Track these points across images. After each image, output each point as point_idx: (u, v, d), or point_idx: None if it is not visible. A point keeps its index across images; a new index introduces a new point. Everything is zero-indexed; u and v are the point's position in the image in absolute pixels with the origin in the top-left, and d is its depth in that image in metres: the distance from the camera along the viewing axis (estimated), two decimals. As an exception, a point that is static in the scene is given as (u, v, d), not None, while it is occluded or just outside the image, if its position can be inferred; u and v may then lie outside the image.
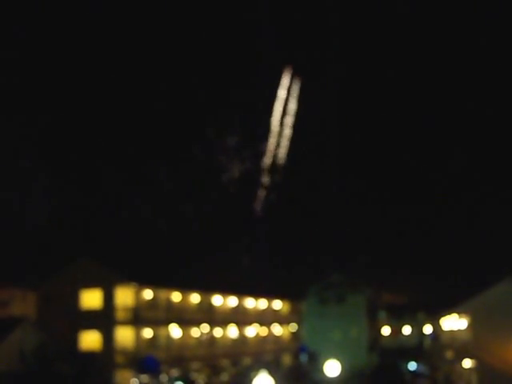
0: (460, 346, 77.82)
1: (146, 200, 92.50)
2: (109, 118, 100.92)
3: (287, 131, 67.42)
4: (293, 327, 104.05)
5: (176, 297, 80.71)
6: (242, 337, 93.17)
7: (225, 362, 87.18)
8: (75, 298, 74.66)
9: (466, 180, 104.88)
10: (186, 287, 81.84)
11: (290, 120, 68.84)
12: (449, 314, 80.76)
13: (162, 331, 78.38)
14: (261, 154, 67.43)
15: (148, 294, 76.55)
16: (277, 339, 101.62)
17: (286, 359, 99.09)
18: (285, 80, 73.35)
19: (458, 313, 77.00)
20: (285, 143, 67.04)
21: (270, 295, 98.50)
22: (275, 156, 67.20)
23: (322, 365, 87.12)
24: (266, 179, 78.50)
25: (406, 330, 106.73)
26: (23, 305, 78.92)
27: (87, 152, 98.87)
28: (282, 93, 72.10)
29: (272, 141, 67.55)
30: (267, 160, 68.10)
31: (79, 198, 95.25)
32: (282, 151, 68.44)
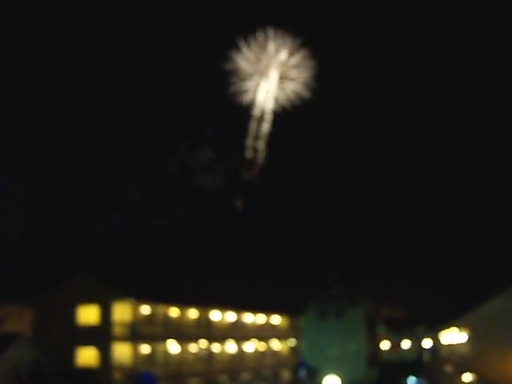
0: (459, 359, 77.38)
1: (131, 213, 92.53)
2: (82, 132, 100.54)
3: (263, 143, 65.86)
4: (291, 342, 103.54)
5: (174, 312, 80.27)
6: (241, 352, 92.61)
7: (223, 378, 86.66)
8: (72, 314, 74.16)
9: (465, 193, 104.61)
10: (183, 302, 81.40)
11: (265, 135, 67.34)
12: (448, 327, 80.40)
13: (159, 347, 77.88)
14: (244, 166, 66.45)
15: (145, 309, 76.10)
16: (275, 354, 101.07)
17: (285, 374, 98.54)
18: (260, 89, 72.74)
19: (458, 326, 76.64)
20: (262, 158, 66.34)
21: (268, 310, 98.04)
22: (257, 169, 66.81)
23: (322, 379, 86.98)
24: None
25: (406, 343, 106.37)
26: (19, 321, 78.38)
27: (61, 166, 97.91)
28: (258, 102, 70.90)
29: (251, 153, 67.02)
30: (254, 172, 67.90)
31: (59, 214, 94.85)
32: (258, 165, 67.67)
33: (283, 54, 74.97)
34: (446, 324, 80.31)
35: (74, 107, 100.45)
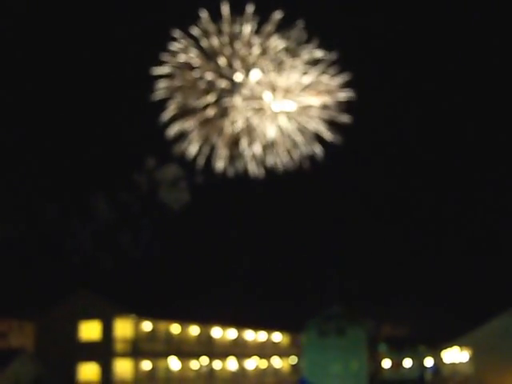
0: (461, 378, 77.21)
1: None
2: (48, 148, 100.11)
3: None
4: (293, 360, 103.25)
5: (175, 329, 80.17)
6: (242, 369, 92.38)
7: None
8: (74, 330, 74.16)
9: (467, 212, 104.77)
10: (185, 319, 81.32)
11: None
12: (450, 346, 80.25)
13: (161, 363, 77.74)
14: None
15: (147, 325, 76.04)
16: (276, 372, 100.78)
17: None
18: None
19: (460, 345, 76.52)
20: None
21: (269, 327, 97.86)
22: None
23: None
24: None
25: (407, 362, 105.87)
26: (21, 336, 78.47)
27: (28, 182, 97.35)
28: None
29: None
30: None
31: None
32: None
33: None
34: (448, 343, 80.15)
35: (38, 123, 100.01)
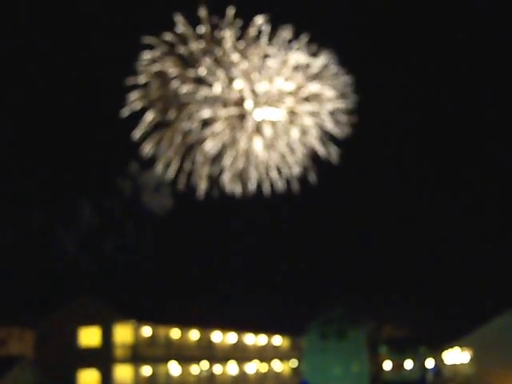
0: (463, 379, 77.00)
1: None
2: (32, 153, 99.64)
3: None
4: (293, 363, 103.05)
5: (175, 333, 79.93)
6: (242, 373, 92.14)
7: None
8: (73, 336, 73.91)
9: (467, 214, 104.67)
10: (184, 324, 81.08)
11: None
12: (451, 347, 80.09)
13: (161, 369, 77.48)
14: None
15: (147, 331, 75.78)
16: (277, 375, 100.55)
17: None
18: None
19: (461, 346, 76.35)
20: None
21: (269, 331, 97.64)
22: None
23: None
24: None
25: (408, 364, 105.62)
26: (21, 343, 78.20)
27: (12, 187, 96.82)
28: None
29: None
30: None
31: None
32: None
33: None
34: (449, 344, 80.00)
35: (22, 130, 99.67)
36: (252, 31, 52.33)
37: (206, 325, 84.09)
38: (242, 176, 56.03)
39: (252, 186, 56.08)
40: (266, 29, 52.35)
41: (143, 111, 54.01)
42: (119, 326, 73.14)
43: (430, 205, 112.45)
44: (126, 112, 53.47)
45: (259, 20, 52.03)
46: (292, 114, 56.27)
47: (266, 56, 53.59)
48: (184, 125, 55.03)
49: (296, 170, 56.52)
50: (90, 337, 73.66)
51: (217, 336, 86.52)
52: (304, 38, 53.50)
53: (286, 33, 52.98)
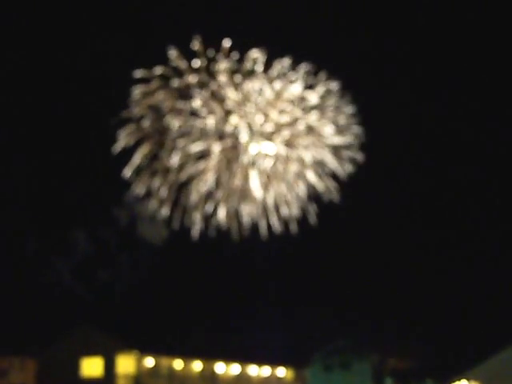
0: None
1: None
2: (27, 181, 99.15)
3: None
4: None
5: (178, 364, 79.16)
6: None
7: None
8: (75, 366, 73.38)
9: (474, 242, 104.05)
10: (188, 354, 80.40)
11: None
12: (458, 379, 79.09)
13: (164, 400, 76.77)
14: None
15: (150, 361, 75.09)
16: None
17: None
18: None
19: (468, 379, 75.43)
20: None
21: (273, 362, 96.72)
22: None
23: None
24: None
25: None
26: (22, 373, 77.46)
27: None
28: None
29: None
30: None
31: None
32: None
33: None
34: (456, 376, 79.01)
35: (15, 157, 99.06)
36: (248, 64, 50.94)
37: (209, 356, 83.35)
38: (236, 214, 53.73)
39: (247, 225, 53.82)
40: (262, 61, 50.98)
41: (136, 145, 52.49)
42: (122, 357, 72.53)
43: (435, 240, 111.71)
44: (118, 147, 52.18)
45: (255, 53, 50.77)
46: (289, 148, 54.14)
47: (261, 89, 52.09)
48: (177, 160, 53.13)
49: (294, 211, 54.28)
50: (92, 367, 73.16)
51: (220, 367, 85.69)
52: (302, 69, 52.18)
53: (283, 64, 51.68)
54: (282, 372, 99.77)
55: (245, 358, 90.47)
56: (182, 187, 53.30)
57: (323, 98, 53.22)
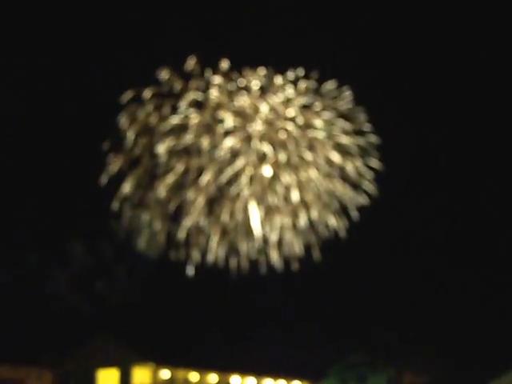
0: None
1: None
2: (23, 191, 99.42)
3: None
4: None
5: (194, 377, 79.35)
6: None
7: None
8: (91, 378, 73.68)
9: (491, 255, 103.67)
10: (203, 367, 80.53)
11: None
12: (474, 394, 78.88)
13: (179, 412, 76.96)
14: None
15: (165, 373, 75.35)
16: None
17: None
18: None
19: (484, 393, 75.18)
20: None
21: (289, 375, 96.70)
22: None
23: None
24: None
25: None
26: (39, 383, 77.94)
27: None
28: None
29: None
30: None
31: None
32: None
33: None
34: (472, 391, 78.79)
35: (12, 167, 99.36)
36: (246, 83, 48.12)
37: (224, 368, 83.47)
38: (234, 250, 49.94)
39: (245, 262, 50.15)
40: (261, 80, 48.10)
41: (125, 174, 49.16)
42: (138, 369, 72.82)
43: (449, 254, 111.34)
44: (105, 178, 49.19)
45: (252, 73, 47.94)
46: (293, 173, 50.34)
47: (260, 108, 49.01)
48: (169, 191, 49.66)
49: (296, 248, 50.52)
50: (108, 379, 73.41)
51: (235, 380, 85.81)
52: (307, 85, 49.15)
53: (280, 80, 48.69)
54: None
55: (260, 371, 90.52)
56: (175, 219, 49.88)
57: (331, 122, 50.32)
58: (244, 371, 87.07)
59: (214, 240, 49.66)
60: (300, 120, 49.62)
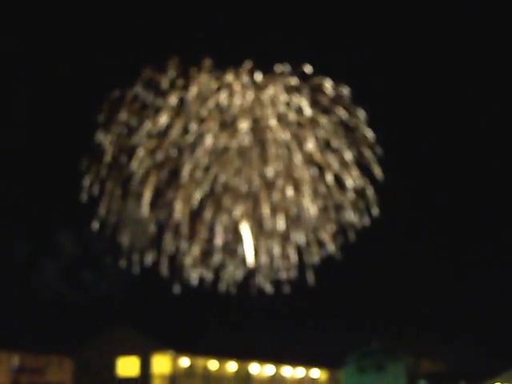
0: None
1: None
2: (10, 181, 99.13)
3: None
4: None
5: (213, 365, 79.73)
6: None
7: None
8: (112, 365, 74.14)
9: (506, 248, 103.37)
10: (222, 355, 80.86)
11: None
12: (492, 382, 78.80)
13: (199, 400, 77.37)
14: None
15: (185, 361, 75.74)
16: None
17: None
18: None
19: (502, 381, 75.13)
20: None
21: (307, 363, 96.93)
22: None
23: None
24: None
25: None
26: (60, 372, 78.51)
27: None
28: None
29: None
30: None
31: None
32: None
33: None
34: (490, 378, 78.73)
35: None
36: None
37: (243, 356, 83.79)
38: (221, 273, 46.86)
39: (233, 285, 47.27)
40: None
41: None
42: (157, 357, 73.22)
43: (464, 242, 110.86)
44: (84, 196, 45.87)
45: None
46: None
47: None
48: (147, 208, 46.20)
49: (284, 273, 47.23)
50: (128, 367, 73.83)
51: (254, 368, 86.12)
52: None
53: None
54: (316, 373, 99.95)
55: (279, 359, 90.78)
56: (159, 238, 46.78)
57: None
58: (263, 359, 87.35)
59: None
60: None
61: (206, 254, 46.38)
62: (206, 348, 79.96)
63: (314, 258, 47.02)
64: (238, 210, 45.98)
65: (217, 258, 46.41)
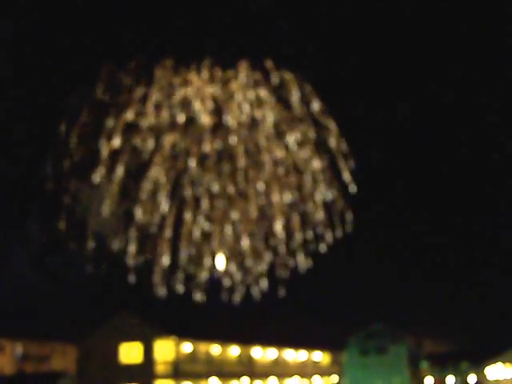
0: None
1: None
2: None
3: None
4: (334, 379, 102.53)
5: (215, 349, 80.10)
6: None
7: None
8: (115, 352, 74.46)
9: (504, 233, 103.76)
10: (225, 339, 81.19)
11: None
12: (494, 362, 79.23)
13: (201, 384, 77.69)
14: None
15: (187, 347, 76.07)
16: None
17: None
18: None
19: (504, 361, 75.51)
20: None
21: (310, 346, 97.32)
22: None
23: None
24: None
25: (450, 379, 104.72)
26: (63, 359, 79.00)
27: None
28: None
29: None
30: None
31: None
32: None
33: None
34: (492, 359, 79.14)
35: None
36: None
37: (246, 340, 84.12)
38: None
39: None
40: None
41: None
42: (160, 342, 73.56)
43: (465, 225, 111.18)
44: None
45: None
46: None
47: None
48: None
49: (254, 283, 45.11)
50: (131, 353, 74.18)
51: (257, 352, 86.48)
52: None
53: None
54: (318, 356, 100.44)
55: (281, 343, 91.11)
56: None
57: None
58: (265, 343, 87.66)
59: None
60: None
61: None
62: (209, 333, 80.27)
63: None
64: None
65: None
